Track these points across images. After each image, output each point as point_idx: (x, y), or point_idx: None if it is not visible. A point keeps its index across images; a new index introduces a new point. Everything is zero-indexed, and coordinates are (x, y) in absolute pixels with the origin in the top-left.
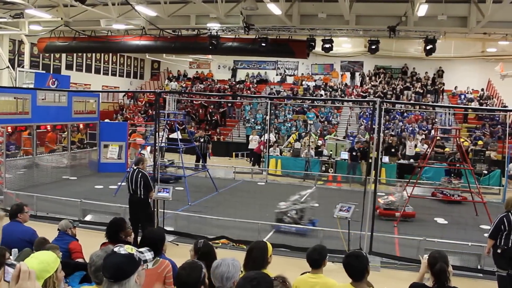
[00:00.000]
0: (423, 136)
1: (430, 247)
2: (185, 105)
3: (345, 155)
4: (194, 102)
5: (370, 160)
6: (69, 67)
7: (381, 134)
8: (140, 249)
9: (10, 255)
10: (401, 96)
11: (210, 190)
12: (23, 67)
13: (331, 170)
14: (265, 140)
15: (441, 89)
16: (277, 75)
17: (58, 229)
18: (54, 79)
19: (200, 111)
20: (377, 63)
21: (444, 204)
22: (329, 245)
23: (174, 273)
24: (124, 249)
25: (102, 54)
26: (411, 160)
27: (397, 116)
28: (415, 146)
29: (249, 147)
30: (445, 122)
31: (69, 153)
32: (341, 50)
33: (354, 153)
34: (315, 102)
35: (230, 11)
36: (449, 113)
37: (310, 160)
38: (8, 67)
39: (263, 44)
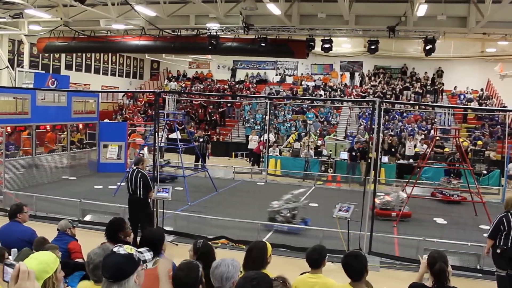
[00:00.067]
0: (423, 136)
1: (430, 247)
2: (184, 105)
3: (344, 155)
4: (194, 102)
5: (369, 160)
6: (68, 67)
7: (381, 134)
8: (140, 249)
9: (10, 255)
10: (401, 96)
11: (209, 190)
12: (22, 67)
13: (330, 170)
14: (264, 140)
15: (440, 89)
16: (276, 75)
17: (58, 229)
18: (53, 79)
19: (200, 111)
20: (376, 63)
21: (444, 204)
22: (329, 245)
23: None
24: (123, 249)
25: (102, 54)
26: (411, 160)
27: (396, 116)
28: (415, 146)
29: (249, 147)
30: (444, 122)
31: (69, 153)
32: (340, 50)
33: (353, 153)
34: (314, 102)
35: (230, 11)
36: (449, 113)
37: (309, 160)
38: (7, 67)
39: (263, 44)
